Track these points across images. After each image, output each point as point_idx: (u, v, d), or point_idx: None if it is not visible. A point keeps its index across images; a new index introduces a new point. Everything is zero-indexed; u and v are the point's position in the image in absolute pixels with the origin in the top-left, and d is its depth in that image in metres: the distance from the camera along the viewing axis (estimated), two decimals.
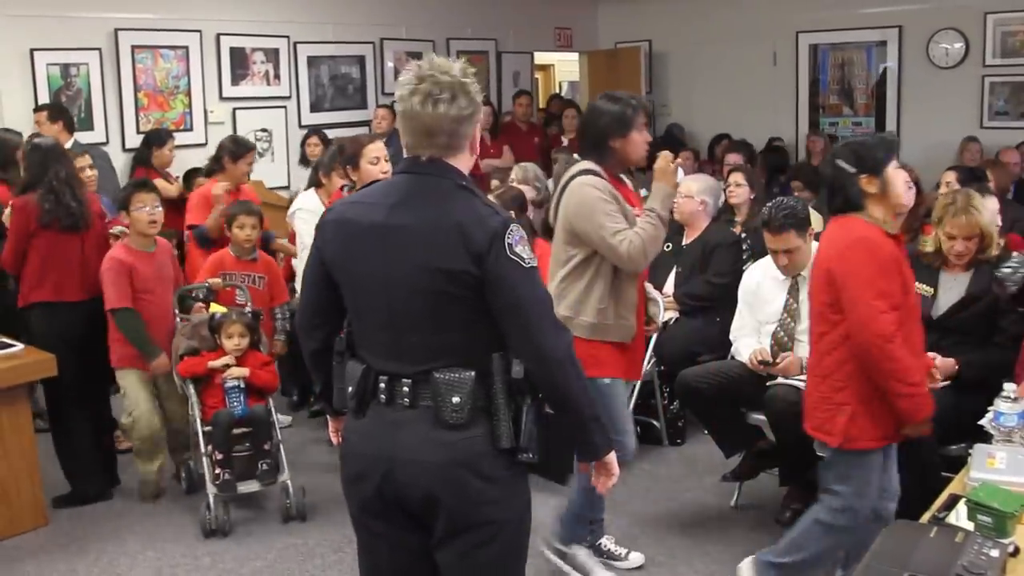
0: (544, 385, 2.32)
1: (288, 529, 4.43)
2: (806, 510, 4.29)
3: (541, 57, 11.48)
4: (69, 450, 4.71)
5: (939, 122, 8.90)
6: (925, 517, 2.48)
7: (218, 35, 7.61)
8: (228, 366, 4.57)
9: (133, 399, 4.65)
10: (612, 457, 2.51)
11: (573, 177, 3.58)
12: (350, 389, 2.45)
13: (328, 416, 2.83)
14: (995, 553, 2.11)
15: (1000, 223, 4.52)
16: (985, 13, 8.81)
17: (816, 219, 5.35)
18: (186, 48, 7.42)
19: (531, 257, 2.30)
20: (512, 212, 5.28)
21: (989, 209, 4.14)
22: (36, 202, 4.50)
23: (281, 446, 4.59)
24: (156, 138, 6.78)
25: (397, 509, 2.42)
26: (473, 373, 2.30)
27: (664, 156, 3.63)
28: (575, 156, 4.04)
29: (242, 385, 4.55)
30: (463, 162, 2.38)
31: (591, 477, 2.57)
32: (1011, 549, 2.23)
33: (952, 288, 4.07)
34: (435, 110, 2.27)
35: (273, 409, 4.68)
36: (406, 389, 2.34)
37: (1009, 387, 2.80)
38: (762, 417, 4.25)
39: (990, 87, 8.96)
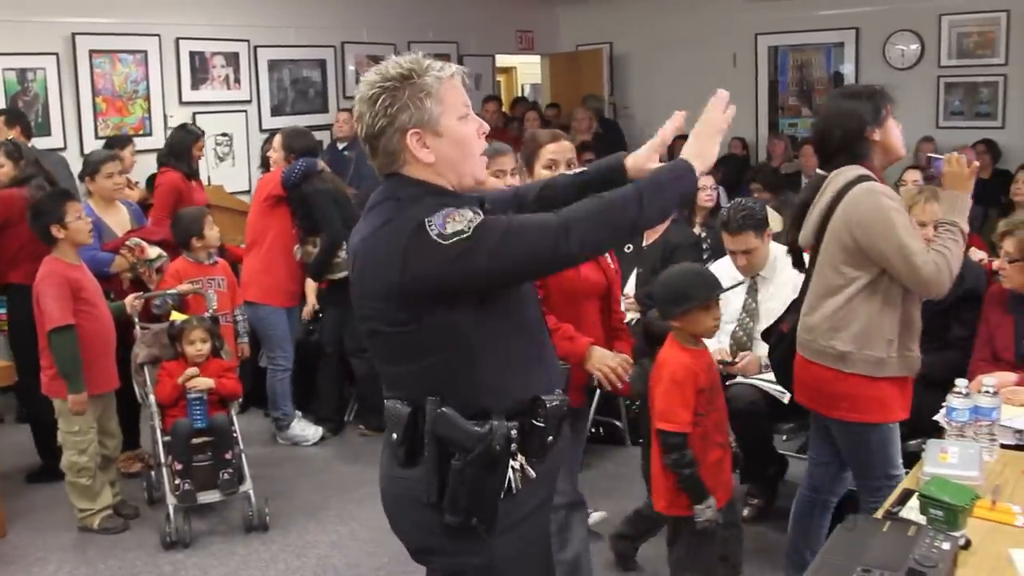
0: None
1: (250, 538, 4.40)
2: (766, 506, 4.39)
3: (503, 60, 11.50)
4: (43, 428, 4.78)
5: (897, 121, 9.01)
6: (880, 512, 2.52)
7: (177, 39, 7.56)
8: (193, 377, 4.50)
9: (88, 432, 4.37)
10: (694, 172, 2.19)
11: (850, 185, 3.03)
12: None
13: None
14: (946, 546, 2.15)
15: None
16: (940, 15, 8.96)
17: (775, 219, 5.43)
18: (145, 52, 7.36)
19: (463, 226, 1.97)
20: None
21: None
22: (27, 195, 4.74)
23: (243, 455, 4.54)
24: (116, 143, 6.70)
25: None
26: (408, 411, 2.09)
27: (958, 159, 3.08)
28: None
29: (204, 396, 4.49)
30: (418, 172, 2.11)
31: None
32: (962, 542, 2.27)
33: None
34: (359, 132, 2.16)
35: (235, 417, 4.63)
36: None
37: (961, 383, 2.84)
38: None
39: (945, 87, 9.11)
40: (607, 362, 3.13)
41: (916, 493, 2.46)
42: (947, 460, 2.65)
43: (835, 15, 9.47)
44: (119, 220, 5.21)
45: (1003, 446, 2.91)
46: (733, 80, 10.06)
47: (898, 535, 2.20)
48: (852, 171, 3.05)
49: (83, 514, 4.45)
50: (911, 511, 2.45)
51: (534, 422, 2.12)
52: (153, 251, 5.04)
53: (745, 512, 4.39)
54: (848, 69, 9.60)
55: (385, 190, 2.13)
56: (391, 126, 2.07)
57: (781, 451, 4.53)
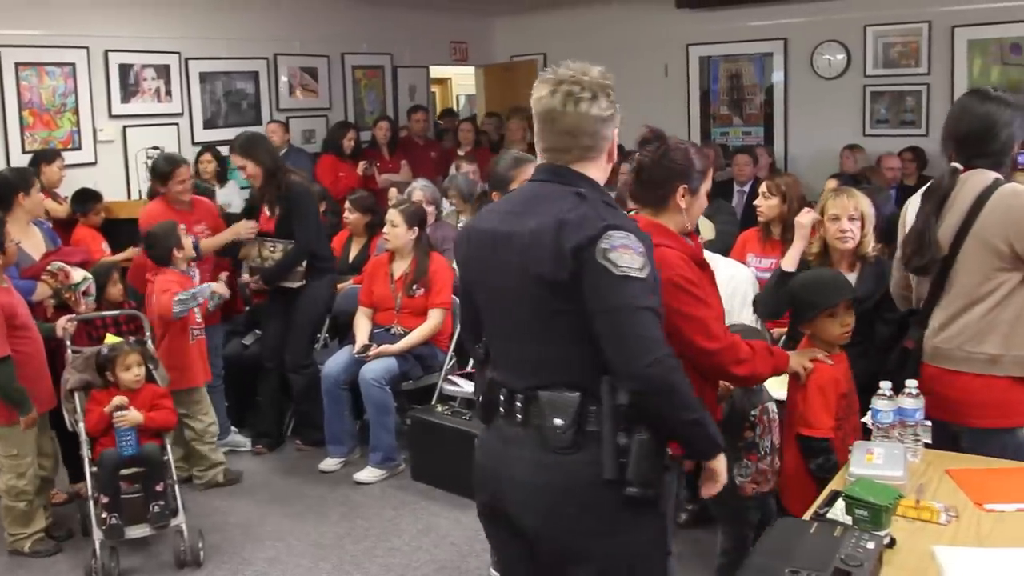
0: (644, 405, 2.19)
1: (182, 575, 4.24)
2: (702, 511, 4.44)
3: (438, 71, 11.51)
4: None
5: (824, 130, 9.20)
6: (808, 514, 2.57)
7: (106, 51, 7.43)
8: (120, 407, 4.29)
9: (27, 456, 4.27)
10: (719, 462, 2.40)
11: (989, 190, 2.94)
12: (480, 399, 2.48)
13: None
14: (871, 545, 2.20)
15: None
16: (865, 25, 9.14)
17: (706, 227, 5.50)
18: (73, 65, 7.23)
19: (631, 267, 2.14)
20: (416, 229, 5.33)
21: (867, 202, 4.29)
22: None
23: (176, 487, 4.35)
24: (43, 158, 6.57)
25: (505, 525, 2.38)
26: (578, 395, 2.19)
27: None
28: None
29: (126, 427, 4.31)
30: (598, 169, 2.33)
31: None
32: (887, 541, 2.32)
33: None
34: (577, 108, 2.25)
35: (168, 447, 4.44)
36: (519, 405, 2.29)
37: (885, 385, 2.90)
38: None
39: (871, 96, 9.29)
40: (803, 357, 3.19)
41: (842, 494, 2.51)
42: (872, 461, 2.71)
43: (764, 26, 9.63)
44: (34, 243, 4.89)
45: (927, 446, 2.99)
46: (665, 90, 10.22)
47: (825, 536, 2.25)
48: (986, 175, 2.99)
49: (14, 538, 4.35)
50: (838, 512, 2.50)
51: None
52: (78, 274, 4.77)
53: (682, 517, 4.44)
54: (777, 78, 9.77)
55: (565, 180, 2.28)
56: (612, 120, 2.31)
57: None
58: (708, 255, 4.36)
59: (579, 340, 2.20)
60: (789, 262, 4.02)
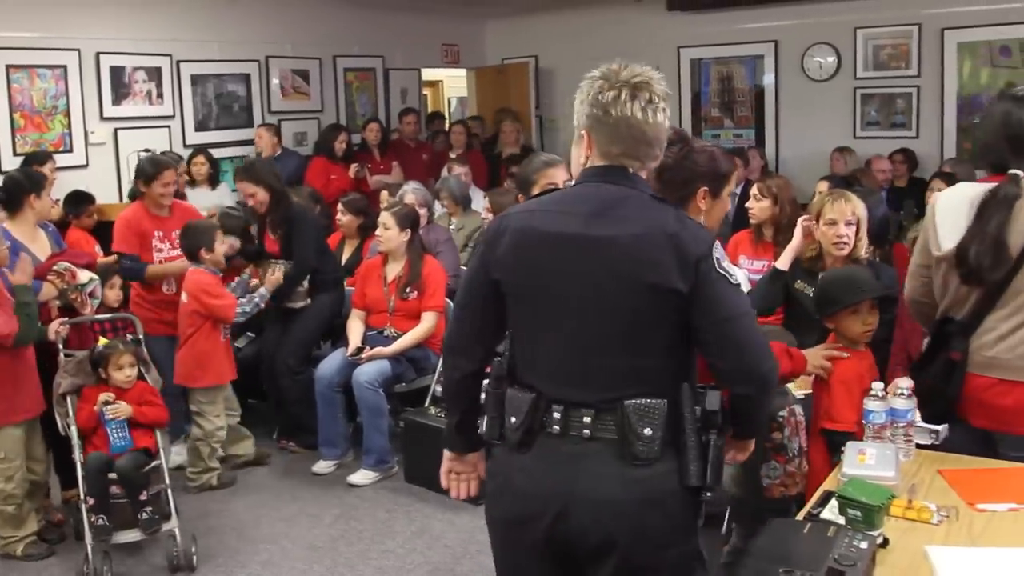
0: (748, 405, 2.25)
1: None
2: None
3: (430, 73, 11.52)
4: None
5: (815, 132, 9.24)
6: (801, 514, 2.59)
7: (98, 54, 7.42)
8: (107, 402, 4.32)
9: (15, 459, 4.25)
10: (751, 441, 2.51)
11: None
12: (513, 420, 2.26)
13: (453, 452, 2.53)
14: (864, 545, 2.21)
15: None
16: (855, 28, 9.17)
17: None
18: (64, 67, 7.21)
19: (735, 276, 2.22)
20: (408, 231, 5.35)
21: (862, 206, 4.31)
22: None
23: (169, 491, 4.33)
24: (35, 160, 6.56)
25: (564, 554, 2.25)
26: (666, 402, 2.17)
27: None
28: None
29: (124, 419, 4.35)
30: (643, 173, 2.29)
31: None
32: (880, 540, 2.34)
33: None
34: (655, 119, 2.20)
35: (162, 451, 4.41)
36: (587, 419, 2.19)
37: (877, 386, 2.93)
38: None
39: (862, 98, 9.33)
40: (819, 355, 3.21)
41: (835, 494, 2.53)
42: (865, 461, 2.72)
43: (755, 28, 9.66)
44: (40, 245, 4.84)
45: (919, 446, 3.00)
46: None
47: (818, 536, 2.26)
48: None
49: (5, 541, 4.33)
50: (831, 512, 2.51)
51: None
52: (84, 275, 4.72)
53: None
54: (768, 80, 9.80)
55: (635, 185, 2.24)
56: (666, 122, 2.24)
57: None
58: None
59: (670, 350, 2.20)
60: (783, 261, 4.07)
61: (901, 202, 7.64)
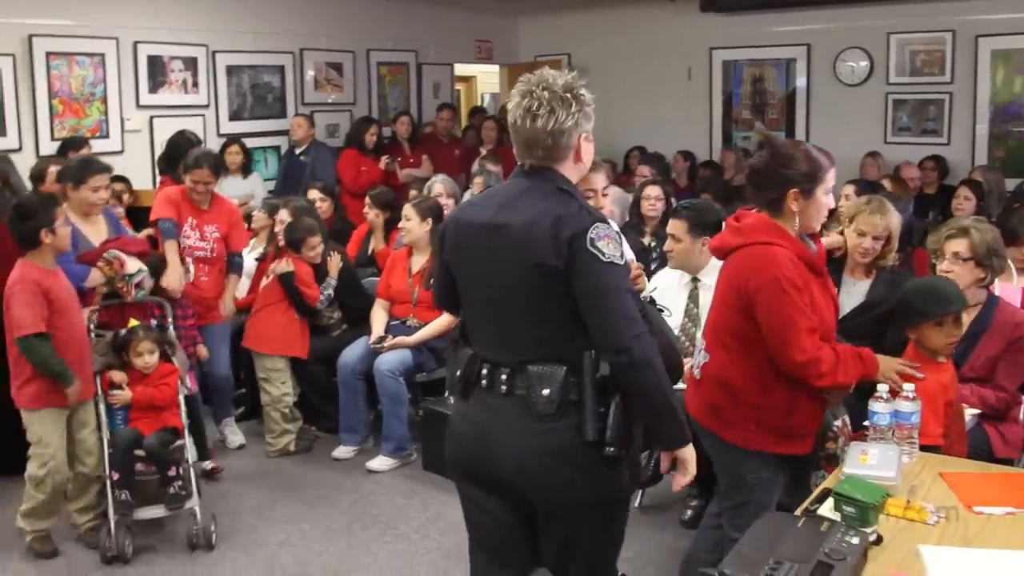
0: (619, 376, 2.48)
1: (194, 557, 4.30)
2: (707, 507, 4.50)
3: (463, 69, 11.59)
4: None
5: (845, 137, 9.18)
6: (799, 511, 2.64)
7: (135, 43, 7.57)
8: (113, 385, 4.44)
9: (50, 445, 4.16)
10: (687, 452, 2.65)
11: None
12: (458, 373, 2.67)
13: None
14: (856, 540, 2.27)
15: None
16: (888, 33, 9.15)
17: None
18: (102, 55, 7.37)
19: (614, 254, 2.45)
20: (429, 220, 5.43)
21: (898, 217, 4.36)
22: None
23: (192, 470, 4.43)
24: (71, 145, 6.70)
25: (493, 486, 2.63)
26: (564, 368, 2.49)
27: None
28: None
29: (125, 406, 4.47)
30: (567, 169, 2.60)
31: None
32: (873, 537, 2.39)
33: (852, 293, 4.26)
34: (533, 124, 2.52)
35: (185, 431, 4.51)
36: (504, 377, 2.56)
37: (882, 388, 2.97)
38: None
39: (893, 104, 9.31)
40: (894, 366, 3.14)
41: (832, 492, 2.58)
42: (867, 461, 2.76)
43: (787, 31, 9.66)
44: (97, 230, 4.88)
45: (924, 448, 3.04)
46: (688, 93, 10.28)
47: (811, 530, 2.32)
48: None
49: (32, 534, 4.29)
50: (828, 510, 2.56)
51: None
52: (133, 264, 4.74)
53: (687, 515, 4.52)
54: (800, 84, 9.79)
55: (544, 178, 2.57)
56: (571, 130, 2.54)
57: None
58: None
59: (566, 321, 2.49)
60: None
61: (928, 209, 7.64)
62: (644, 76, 10.32)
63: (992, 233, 3.80)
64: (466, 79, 13.35)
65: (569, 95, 2.53)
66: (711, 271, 4.46)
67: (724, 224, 3.36)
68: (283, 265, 5.50)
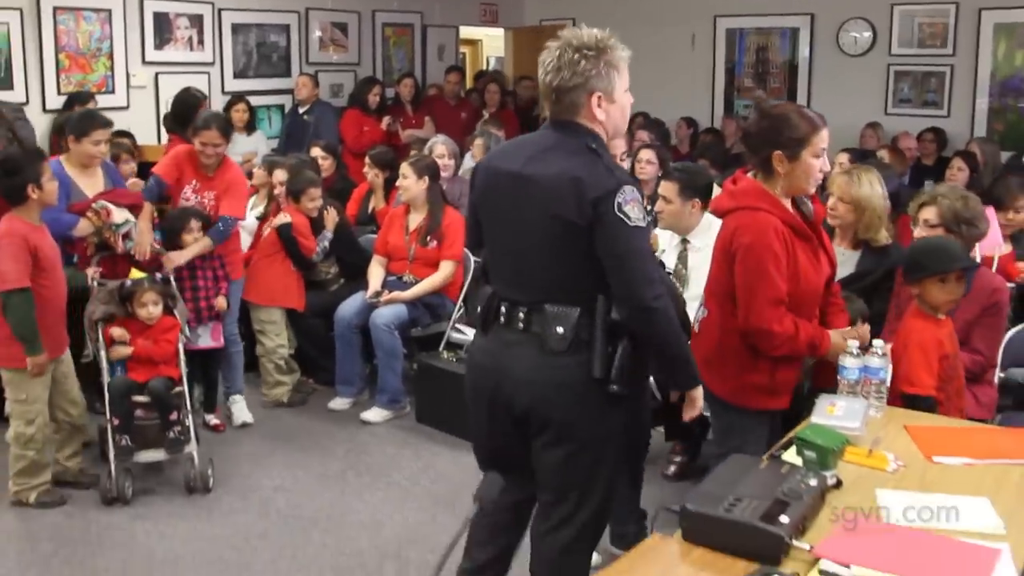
0: (638, 329, 2.69)
1: (191, 500, 4.42)
2: (690, 463, 4.64)
3: (469, 32, 11.63)
4: None
5: (846, 107, 9.23)
6: (765, 456, 2.76)
7: None
8: (116, 340, 4.56)
9: (37, 401, 4.20)
10: (696, 392, 2.92)
11: None
12: (479, 309, 2.91)
13: None
14: (814, 482, 2.38)
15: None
16: (892, 4, 9.16)
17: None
18: (109, 11, 7.43)
19: (639, 218, 2.62)
20: (426, 179, 5.54)
21: (876, 191, 4.41)
22: None
23: (191, 417, 4.55)
24: (78, 100, 6.79)
25: (504, 413, 2.86)
26: (578, 310, 2.69)
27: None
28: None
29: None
30: (595, 126, 2.74)
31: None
32: (833, 481, 2.50)
33: (841, 263, 4.34)
34: (544, 79, 2.74)
35: (184, 380, 4.61)
36: (522, 315, 2.77)
37: (852, 344, 3.08)
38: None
39: (895, 75, 9.34)
40: (839, 340, 3.25)
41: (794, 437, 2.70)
42: (833, 412, 2.88)
43: (792, 0, 9.68)
44: (93, 182, 4.91)
45: (914, 398, 3.15)
46: (692, 60, 10.31)
47: (773, 472, 2.43)
48: None
49: (19, 487, 4.29)
50: (791, 456, 2.68)
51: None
52: (120, 215, 4.79)
53: (671, 469, 4.65)
54: (803, 53, 9.82)
55: (570, 132, 2.73)
56: (585, 86, 2.68)
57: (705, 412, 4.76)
58: (710, 218, 4.56)
59: (581, 267, 2.68)
60: None
61: (924, 179, 7.71)
62: (648, 42, 10.25)
63: (962, 202, 3.88)
64: (472, 42, 13.37)
65: (579, 53, 2.67)
66: (700, 233, 4.57)
67: (722, 187, 3.47)
68: (281, 216, 5.60)
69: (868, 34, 9.40)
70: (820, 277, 3.28)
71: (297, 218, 5.64)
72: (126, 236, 4.87)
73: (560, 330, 2.70)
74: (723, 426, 3.38)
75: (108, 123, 5.03)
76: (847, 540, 2.21)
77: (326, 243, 5.75)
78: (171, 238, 5.06)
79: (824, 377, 3.36)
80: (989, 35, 8.78)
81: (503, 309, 2.82)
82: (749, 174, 3.29)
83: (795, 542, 2.18)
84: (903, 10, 9.16)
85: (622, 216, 2.59)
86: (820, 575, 2.10)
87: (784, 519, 2.19)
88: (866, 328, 3.59)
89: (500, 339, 2.84)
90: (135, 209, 4.96)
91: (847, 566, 2.09)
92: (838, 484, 2.52)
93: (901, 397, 3.25)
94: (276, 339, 5.57)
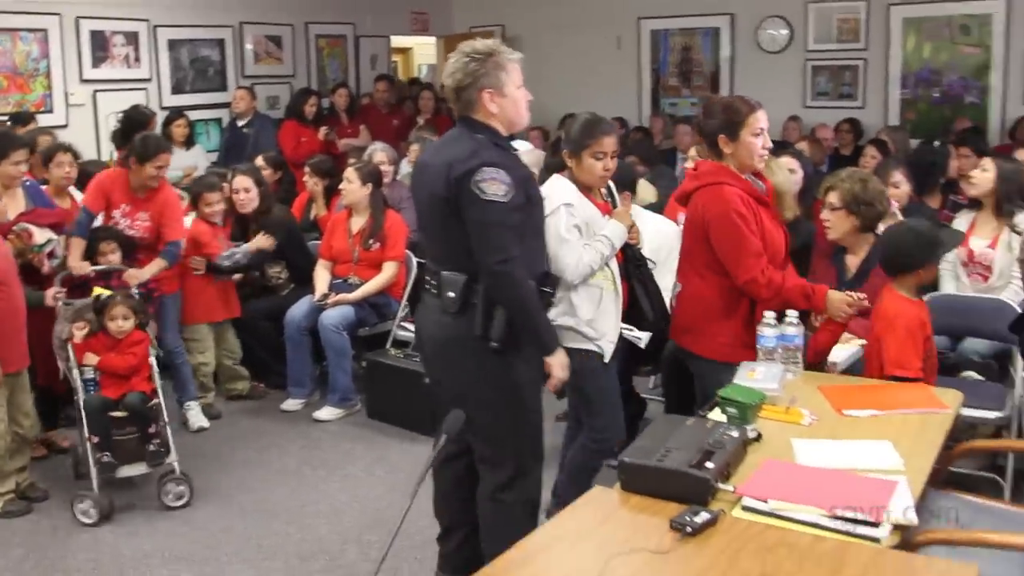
0: (492, 293, 3.08)
1: (171, 513, 4.47)
2: (626, 446, 4.89)
3: (400, 41, 11.84)
4: None
5: (768, 102, 9.32)
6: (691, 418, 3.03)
7: (77, 18, 7.74)
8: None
9: None
10: (552, 359, 3.24)
11: None
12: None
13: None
14: (735, 434, 2.66)
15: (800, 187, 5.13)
16: (807, 2, 9.58)
17: (647, 190, 5.95)
18: (45, 31, 7.53)
19: (495, 194, 3.00)
20: (370, 185, 5.74)
21: (783, 171, 4.75)
22: None
23: (168, 428, 4.58)
24: (18, 120, 6.86)
25: (429, 367, 3.42)
26: (466, 276, 3.11)
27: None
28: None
29: (93, 374, 4.58)
30: (490, 120, 3.14)
31: None
32: (754, 435, 2.78)
33: None
34: (446, 83, 3.17)
35: (159, 390, 4.64)
36: (433, 281, 3.24)
37: (769, 315, 3.37)
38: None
39: (812, 70, 9.75)
40: (842, 305, 3.55)
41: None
42: (753, 376, 3.16)
43: (712, 1, 10.03)
44: (14, 204, 4.88)
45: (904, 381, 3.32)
46: (618, 62, 10.63)
47: (699, 427, 2.72)
48: None
49: None
50: (716, 414, 2.96)
51: (543, 288, 3.24)
52: (42, 235, 4.81)
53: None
54: (725, 52, 10.19)
55: (463, 128, 3.17)
56: (475, 85, 3.09)
57: (643, 394, 5.05)
58: (639, 211, 4.83)
59: (465, 239, 3.09)
60: None
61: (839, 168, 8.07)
62: (575, 45, 10.65)
63: (861, 185, 4.20)
64: (403, 51, 13.58)
65: (469, 57, 3.10)
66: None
67: (684, 175, 3.91)
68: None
69: (785, 31, 9.80)
70: (781, 238, 3.71)
71: (197, 226, 5.64)
72: (51, 255, 4.88)
73: (451, 294, 3.14)
74: (713, 384, 3.60)
75: (27, 143, 5.04)
76: (765, 479, 2.49)
77: (239, 256, 5.70)
78: (87, 257, 5.07)
79: (829, 336, 3.66)
80: (899, 29, 9.23)
81: (426, 277, 3.30)
82: (708, 161, 3.73)
83: (720, 485, 2.45)
84: (818, 8, 9.58)
85: (476, 191, 2.99)
86: (743, 511, 2.38)
87: (710, 465, 2.46)
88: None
89: (424, 302, 3.36)
90: (58, 227, 4.98)
91: (765, 501, 2.37)
92: (758, 437, 2.81)
93: (891, 380, 3.35)
94: (199, 356, 5.64)
